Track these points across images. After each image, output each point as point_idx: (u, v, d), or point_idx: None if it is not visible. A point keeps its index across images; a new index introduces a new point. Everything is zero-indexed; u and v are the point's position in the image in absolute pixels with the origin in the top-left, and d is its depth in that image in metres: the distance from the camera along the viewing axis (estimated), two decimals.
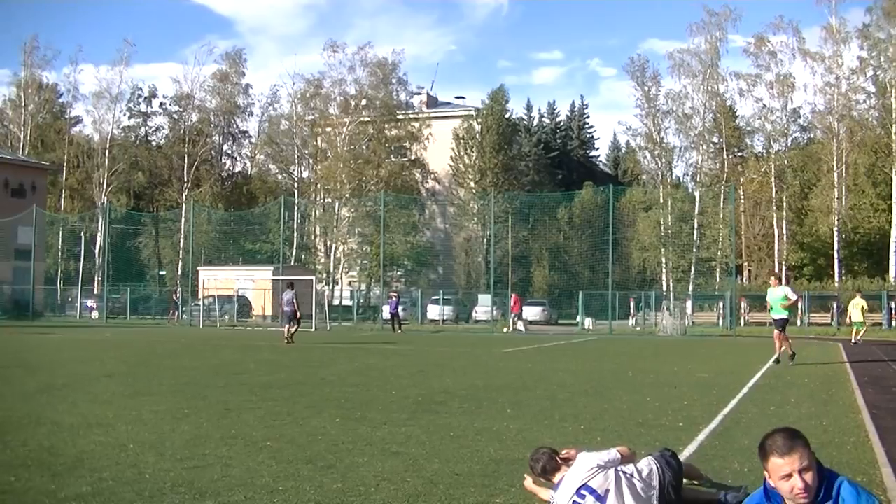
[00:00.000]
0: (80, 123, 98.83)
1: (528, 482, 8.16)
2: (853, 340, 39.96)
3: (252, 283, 68.86)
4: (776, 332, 26.07)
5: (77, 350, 31.64)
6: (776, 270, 35.23)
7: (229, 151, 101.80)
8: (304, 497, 8.10)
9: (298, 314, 38.29)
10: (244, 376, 20.93)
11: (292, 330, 37.33)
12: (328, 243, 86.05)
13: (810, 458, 5.25)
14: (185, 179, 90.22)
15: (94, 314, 73.05)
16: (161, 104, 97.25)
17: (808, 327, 58.71)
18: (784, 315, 26.24)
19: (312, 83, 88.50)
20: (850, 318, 44.70)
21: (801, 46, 77.06)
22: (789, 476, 5.18)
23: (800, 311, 61.35)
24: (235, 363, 25.34)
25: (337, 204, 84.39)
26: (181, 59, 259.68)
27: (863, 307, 42.10)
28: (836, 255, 73.72)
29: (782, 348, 25.70)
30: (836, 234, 73.46)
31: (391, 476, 9.06)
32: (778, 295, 26.18)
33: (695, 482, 8.47)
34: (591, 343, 42.53)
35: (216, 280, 66.11)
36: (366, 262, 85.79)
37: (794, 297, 26.78)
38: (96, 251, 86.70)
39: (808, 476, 5.20)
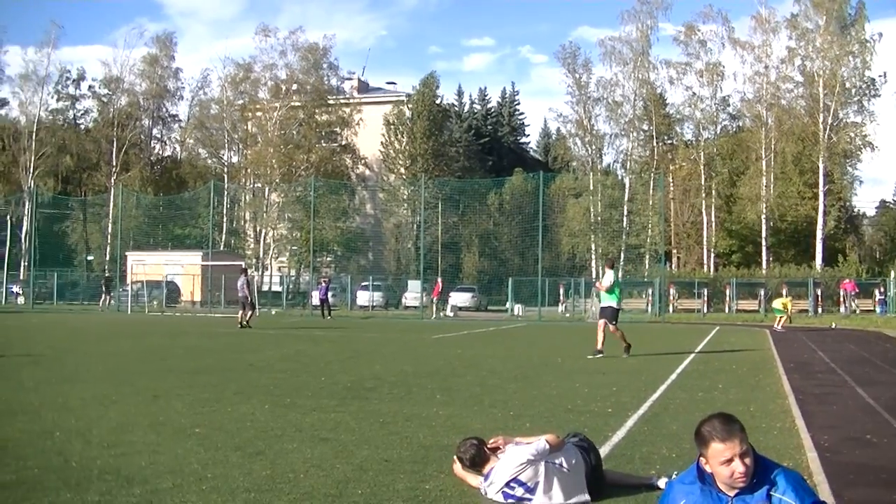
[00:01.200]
0: (6, 106, 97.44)
1: (458, 468, 8.16)
2: (775, 326, 40.39)
3: (181, 268, 68.37)
4: (601, 321, 24.43)
5: (1, 336, 31.23)
6: (610, 258, 33.80)
7: (159, 135, 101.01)
8: (233, 484, 8.04)
9: (251, 299, 38.38)
10: (172, 362, 20.78)
11: (246, 316, 37.68)
12: (258, 228, 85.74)
13: (748, 443, 5.33)
14: (114, 164, 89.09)
15: (21, 300, 72.26)
16: (90, 87, 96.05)
17: (735, 314, 59.35)
18: (610, 303, 24.46)
19: (243, 67, 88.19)
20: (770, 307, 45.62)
21: (730, 35, 78.41)
22: (730, 461, 5.25)
23: (727, 298, 62.13)
24: (163, 349, 25.16)
25: (267, 189, 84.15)
26: (111, 42, 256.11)
27: (784, 304, 42.52)
28: (763, 243, 74.73)
29: (619, 336, 24.23)
30: (763, 221, 74.45)
31: (320, 462, 9.03)
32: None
33: None
34: (520, 329, 42.66)
35: (145, 265, 65.52)
36: (295, 247, 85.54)
37: (604, 284, 24.86)
38: (22, 236, 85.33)
39: (748, 460, 5.27)
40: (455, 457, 8.26)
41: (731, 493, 5.35)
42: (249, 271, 47.03)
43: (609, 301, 24.39)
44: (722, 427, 5.32)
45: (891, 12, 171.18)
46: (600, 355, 23.09)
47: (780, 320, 41.27)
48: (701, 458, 5.45)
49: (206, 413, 12.49)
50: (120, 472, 8.41)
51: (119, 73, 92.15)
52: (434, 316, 55.92)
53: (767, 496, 5.27)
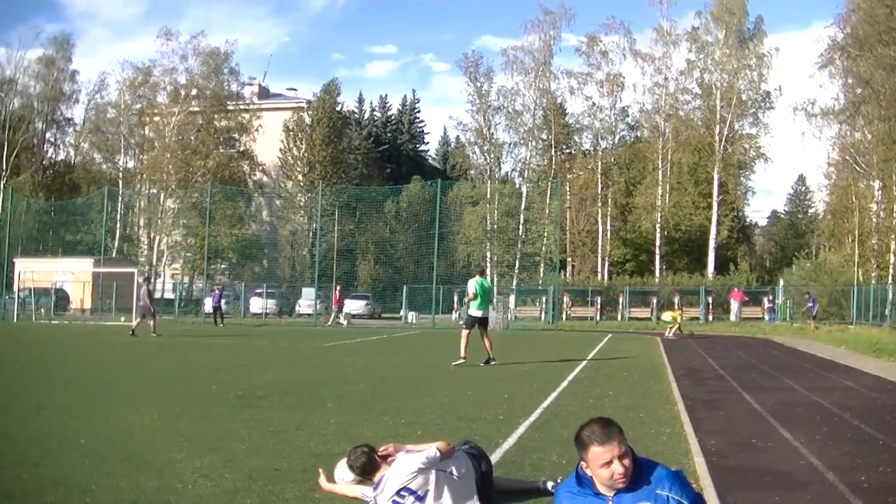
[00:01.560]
0: None
1: (323, 481, 8.16)
2: (667, 335, 40.98)
3: (71, 275, 67.39)
4: (465, 330, 23.99)
5: None
6: (478, 266, 33.31)
7: (52, 139, 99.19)
8: (120, 496, 7.95)
9: (152, 308, 38.19)
10: (59, 372, 20.49)
11: (148, 322, 37.88)
12: (152, 235, 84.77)
13: (626, 445, 5.42)
14: (4, 167, 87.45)
15: None
16: None
17: (628, 321, 59.97)
18: (477, 312, 24.02)
19: (142, 71, 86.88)
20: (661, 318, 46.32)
21: (632, 47, 79.07)
22: (609, 463, 5.34)
23: (620, 306, 62.75)
24: (50, 358, 24.79)
25: (163, 195, 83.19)
26: (5, 41, 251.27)
27: (674, 316, 43.11)
28: (657, 252, 75.50)
29: (488, 347, 23.81)
30: (658, 230, 75.23)
31: (209, 472, 8.97)
32: (489, 289, 25.17)
33: None
34: (413, 337, 42.72)
35: (34, 272, 64.36)
36: (189, 254, 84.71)
37: (469, 292, 24.43)
38: None
39: (627, 461, 5.37)
40: (319, 469, 8.27)
41: (611, 494, 5.45)
42: (150, 280, 46.85)
43: (471, 309, 24.34)
44: (600, 431, 5.42)
45: (788, 27, 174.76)
46: (461, 361, 23.02)
47: (671, 329, 41.86)
48: (582, 462, 5.54)
49: (93, 423, 12.32)
50: (1, 488, 8.28)
51: (12, 75, 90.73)
52: (330, 323, 55.78)
53: (653, 494, 5.38)
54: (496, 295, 57.43)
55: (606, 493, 5.46)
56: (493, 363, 23.35)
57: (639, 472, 5.47)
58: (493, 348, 23.98)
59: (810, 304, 49.85)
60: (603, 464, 5.37)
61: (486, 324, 24.34)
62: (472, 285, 24.12)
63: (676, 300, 46.53)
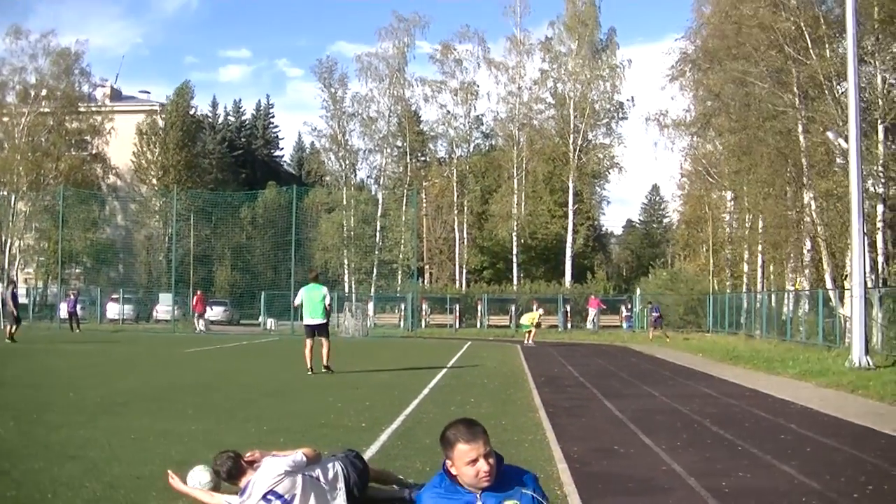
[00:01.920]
0: None
1: (176, 482, 8.08)
2: (526, 342, 41.25)
3: None
4: (307, 339, 23.22)
5: None
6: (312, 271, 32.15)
7: None
8: None
9: (16, 313, 37.52)
10: None
11: (13, 329, 37.00)
12: (3, 238, 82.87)
13: (490, 444, 5.59)
14: None
15: None
16: None
17: (487, 329, 60.26)
18: (308, 320, 23.46)
19: None
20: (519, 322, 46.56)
21: (486, 56, 79.41)
22: (475, 461, 5.50)
23: (479, 314, 63.11)
24: None
25: (13, 197, 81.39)
26: None
27: (532, 318, 43.31)
28: (514, 260, 76.07)
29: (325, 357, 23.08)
30: (514, 238, 75.80)
31: (69, 481, 8.83)
32: (317, 296, 23.28)
33: (384, 484, 8.59)
34: (273, 343, 42.53)
35: None
36: (43, 258, 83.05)
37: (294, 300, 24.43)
38: None
39: (491, 460, 5.54)
40: (169, 471, 8.19)
41: (478, 493, 5.58)
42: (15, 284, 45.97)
43: (320, 318, 23.33)
44: (466, 430, 5.58)
45: (640, 40, 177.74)
46: (309, 373, 22.40)
47: (529, 335, 42.12)
48: (447, 461, 5.67)
49: None
50: None
51: None
52: (196, 329, 55.20)
53: (520, 493, 5.58)
54: (354, 302, 57.23)
55: (473, 492, 5.59)
56: (326, 372, 22.64)
57: (503, 473, 5.64)
58: (333, 358, 23.27)
59: (654, 314, 50.40)
60: (469, 461, 5.51)
61: (323, 330, 23.34)
62: (299, 294, 23.78)
63: (534, 307, 46.71)
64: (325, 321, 23.42)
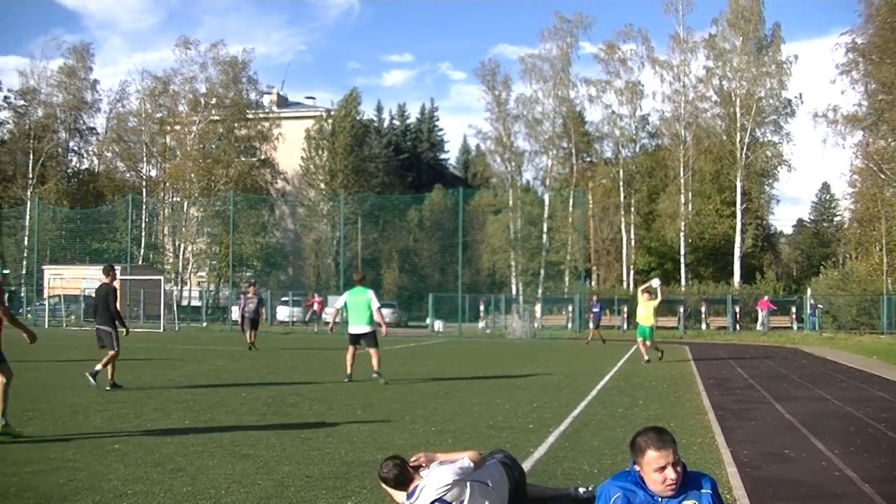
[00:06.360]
0: None
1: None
2: (642, 358, 30.95)
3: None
4: (352, 347, 21.42)
5: None
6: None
7: (76, 148, 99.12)
8: (154, 501, 7.97)
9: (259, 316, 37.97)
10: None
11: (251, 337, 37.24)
12: (177, 243, 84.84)
13: (678, 453, 5.73)
14: (31, 176, 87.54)
15: None
16: (6, 98, 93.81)
17: (655, 330, 59.59)
18: (351, 328, 21.40)
19: (161, 80, 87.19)
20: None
21: (650, 55, 78.93)
22: (663, 468, 5.62)
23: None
24: (83, 364, 24.77)
25: (186, 203, 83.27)
26: (27, 52, 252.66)
27: (647, 311, 31.46)
28: (682, 260, 75.15)
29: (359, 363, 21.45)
30: (682, 238, 74.89)
31: (241, 478, 9.00)
32: (362, 301, 21.19)
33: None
34: (440, 345, 42.52)
35: (62, 279, 64.48)
36: (215, 262, 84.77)
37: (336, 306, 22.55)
38: None
39: (679, 468, 5.66)
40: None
41: (660, 500, 5.69)
42: (166, 285, 46.78)
43: (366, 325, 21.29)
44: (656, 437, 5.73)
45: (805, 35, 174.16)
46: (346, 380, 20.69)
47: (646, 347, 35.72)
48: (635, 466, 5.78)
49: (126, 429, 12.39)
50: (38, 490, 8.33)
51: (36, 84, 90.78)
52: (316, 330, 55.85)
53: (699, 494, 5.73)
54: (522, 304, 57.13)
55: (657, 498, 5.70)
56: (376, 378, 20.66)
57: (691, 481, 5.79)
58: (381, 363, 21.27)
59: (595, 310, 46.72)
60: (657, 468, 5.63)
61: (370, 339, 21.27)
62: (341, 298, 22.07)
63: (703, 308, 45.59)
64: (371, 329, 21.25)
